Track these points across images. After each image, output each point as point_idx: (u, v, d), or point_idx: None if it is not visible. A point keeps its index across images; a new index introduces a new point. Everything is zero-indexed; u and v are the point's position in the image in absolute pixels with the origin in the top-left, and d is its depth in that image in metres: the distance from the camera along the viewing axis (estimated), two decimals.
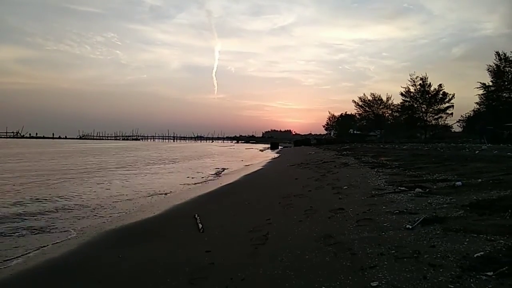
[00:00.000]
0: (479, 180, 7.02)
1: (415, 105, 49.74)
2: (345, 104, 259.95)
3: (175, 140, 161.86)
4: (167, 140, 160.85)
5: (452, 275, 2.76)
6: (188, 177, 16.48)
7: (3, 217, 7.64)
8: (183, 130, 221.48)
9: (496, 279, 2.61)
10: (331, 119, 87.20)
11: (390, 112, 59.47)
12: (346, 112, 79.38)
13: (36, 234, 6.47)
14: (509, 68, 39.01)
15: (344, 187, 8.24)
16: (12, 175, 15.99)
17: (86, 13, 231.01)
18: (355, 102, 63.34)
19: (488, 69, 40.12)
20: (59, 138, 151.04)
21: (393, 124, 57.92)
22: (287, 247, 4.18)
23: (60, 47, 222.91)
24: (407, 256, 3.31)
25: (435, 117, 48.83)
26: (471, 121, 45.73)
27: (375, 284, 2.82)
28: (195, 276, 3.69)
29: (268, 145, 71.23)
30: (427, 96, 48.40)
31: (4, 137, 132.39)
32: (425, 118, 48.97)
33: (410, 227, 4.22)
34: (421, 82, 48.42)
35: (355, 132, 73.43)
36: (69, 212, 8.43)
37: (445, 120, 48.87)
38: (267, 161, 26.57)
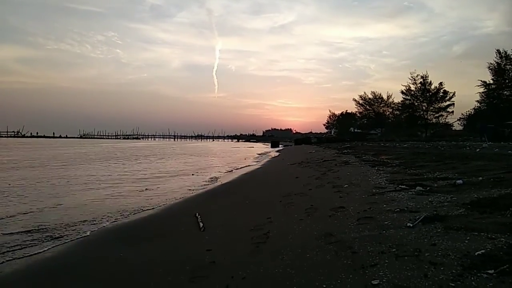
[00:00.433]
0: (480, 178, 7.01)
1: (416, 103, 49.71)
2: (346, 102, 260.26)
3: (176, 139, 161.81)
4: (168, 139, 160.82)
5: (453, 273, 2.76)
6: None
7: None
8: (183, 129, 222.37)
9: (497, 277, 2.61)
10: (331, 117, 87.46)
11: (390, 110, 59.53)
12: (346, 110, 79.57)
13: (36, 232, 6.48)
14: (510, 66, 38.96)
15: (345, 186, 8.24)
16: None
17: (87, 12, 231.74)
18: (355, 100, 63.41)
19: (489, 67, 40.13)
20: (60, 137, 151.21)
21: (394, 123, 57.91)
22: (288, 246, 4.19)
23: (60, 46, 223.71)
24: (408, 254, 3.31)
25: (435, 115, 48.82)
26: (472, 119, 45.64)
27: (376, 283, 2.82)
28: (196, 275, 3.69)
29: (269, 144, 71.26)
30: (427, 94, 48.36)
31: (5, 136, 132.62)
32: (426, 116, 48.94)
33: (411, 225, 4.22)
34: (421, 80, 48.43)
35: (355, 130, 73.31)
36: (69, 209, 8.45)
37: (445, 118, 48.89)
38: (268, 160, 26.57)
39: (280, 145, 63.95)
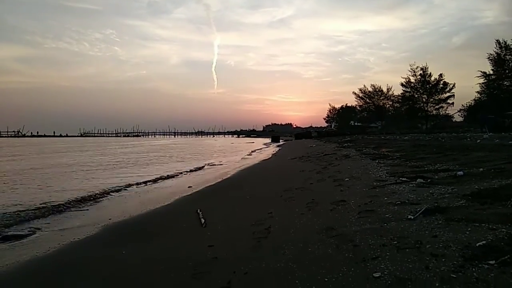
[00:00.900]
0: (481, 169, 7.01)
1: (416, 96, 49.54)
2: (346, 96, 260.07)
3: (176, 136, 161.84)
4: (168, 136, 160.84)
5: (454, 265, 2.77)
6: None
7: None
8: (183, 126, 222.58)
9: (498, 268, 2.62)
10: (331, 111, 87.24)
11: (390, 103, 59.31)
12: (346, 104, 79.34)
13: (37, 231, 6.51)
14: (509, 56, 38.75)
15: (346, 179, 8.25)
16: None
17: (84, 10, 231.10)
18: (355, 93, 63.16)
19: (488, 58, 39.92)
20: (60, 136, 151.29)
21: (394, 115, 57.80)
22: (289, 240, 4.20)
23: (59, 44, 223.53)
24: (409, 246, 3.32)
25: (436, 107, 48.67)
26: (472, 111, 45.48)
27: (377, 275, 2.83)
28: (198, 271, 3.71)
29: (269, 139, 71.24)
30: (427, 86, 48.18)
31: (6, 136, 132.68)
32: (426, 108, 48.79)
33: (412, 217, 4.23)
34: (421, 72, 48.21)
35: (356, 124, 73.28)
36: (71, 206, 8.48)
37: (446, 110, 48.74)
38: (268, 155, 26.57)
39: (280, 140, 63.86)
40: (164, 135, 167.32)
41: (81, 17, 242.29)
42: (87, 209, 8.61)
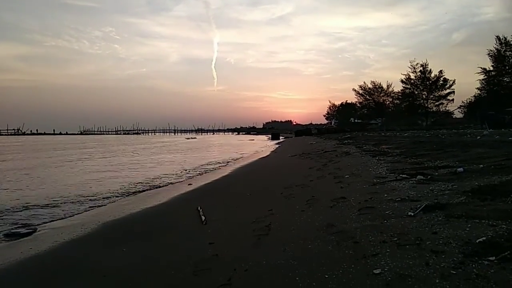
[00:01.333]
0: (481, 165, 7.01)
1: (416, 92, 49.48)
2: (346, 93, 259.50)
3: (176, 133, 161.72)
4: (168, 134, 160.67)
5: (455, 261, 2.77)
6: None
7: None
8: (183, 123, 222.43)
9: (498, 264, 2.62)
10: (331, 108, 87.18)
11: (390, 99, 59.18)
12: (346, 101, 79.27)
13: (38, 229, 6.52)
14: (509, 52, 38.66)
15: (346, 176, 8.25)
16: None
17: (83, 7, 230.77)
18: (355, 90, 63.01)
19: (488, 54, 39.81)
20: (60, 134, 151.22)
21: (394, 112, 57.70)
22: (289, 237, 4.21)
23: (58, 42, 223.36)
24: (409, 243, 3.32)
25: (436, 103, 48.62)
26: (472, 107, 45.47)
27: (377, 272, 2.84)
28: (199, 268, 3.72)
29: (269, 136, 71.20)
30: (427, 82, 48.11)
31: (5, 134, 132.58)
32: (426, 105, 48.75)
33: (412, 214, 4.23)
34: (421, 68, 48.13)
35: (356, 120, 73.21)
36: (72, 203, 8.50)
37: (446, 106, 48.70)
38: (268, 152, 26.57)
39: (281, 137, 63.83)
40: (164, 132, 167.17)
41: (80, 15, 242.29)
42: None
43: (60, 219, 7.37)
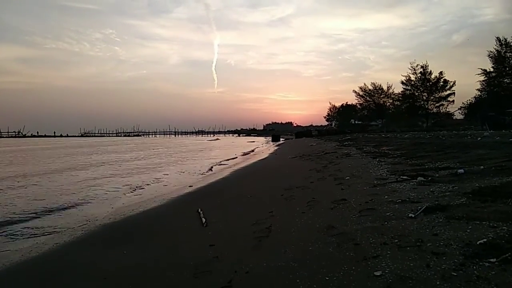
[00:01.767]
0: (482, 167, 7.00)
1: (416, 94, 49.40)
2: (346, 94, 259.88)
3: (176, 135, 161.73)
4: (169, 136, 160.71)
5: (455, 263, 2.77)
6: None
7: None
8: (184, 125, 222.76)
9: (499, 266, 2.62)
10: (332, 109, 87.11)
11: (391, 101, 59.09)
12: (347, 102, 79.12)
13: (39, 228, 6.52)
14: (510, 54, 38.55)
15: (346, 178, 8.24)
16: None
17: (84, 10, 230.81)
18: (355, 92, 62.93)
19: (489, 55, 39.77)
20: (61, 136, 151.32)
21: (394, 113, 57.59)
22: (290, 239, 4.20)
23: (59, 45, 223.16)
24: (410, 245, 3.32)
25: (436, 105, 48.52)
26: (472, 108, 45.39)
27: (378, 274, 2.83)
28: (200, 270, 3.71)
29: (270, 138, 71.15)
30: (428, 84, 48.04)
31: (6, 137, 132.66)
32: (427, 106, 48.67)
33: (413, 216, 4.23)
34: (421, 70, 48.08)
35: (356, 122, 73.19)
36: (73, 205, 8.50)
37: (446, 107, 48.54)
38: (269, 154, 26.56)
39: (281, 139, 63.79)
40: (164, 134, 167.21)
41: (80, 17, 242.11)
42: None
43: (61, 220, 7.36)
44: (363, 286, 2.72)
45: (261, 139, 79.41)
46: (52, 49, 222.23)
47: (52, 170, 18.37)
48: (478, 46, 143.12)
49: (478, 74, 40.93)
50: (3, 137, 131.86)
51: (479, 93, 43.74)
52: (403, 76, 50.00)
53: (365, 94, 62.00)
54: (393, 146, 15.57)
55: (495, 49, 39.24)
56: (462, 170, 6.74)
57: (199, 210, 6.74)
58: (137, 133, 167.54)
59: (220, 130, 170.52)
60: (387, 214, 4.55)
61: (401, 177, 7.09)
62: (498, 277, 2.47)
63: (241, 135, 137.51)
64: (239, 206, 7.10)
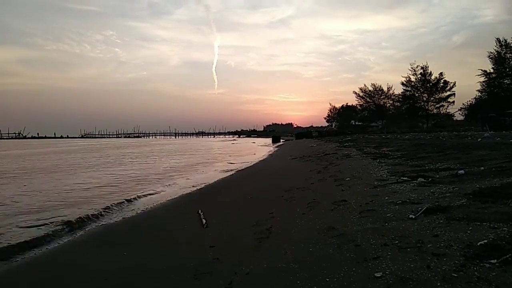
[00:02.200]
0: (482, 168, 7.00)
1: (416, 95, 49.40)
2: (346, 95, 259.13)
3: (177, 137, 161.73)
4: (169, 137, 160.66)
5: (456, 264, 2.77)
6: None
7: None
8: (184, 126, 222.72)
9: (500, 267, 2.61)
10: (332, 111, 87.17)
11: (391, 102, 59.02)
12: (347, 103, 79.15)
13: (38, 230, 6.52)
14: (510, 55, 38.59)
15: (347, 179, 8.24)
16: None
17: (85, 11, 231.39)
18: (355, 93, 62.82)
19: (489, 56, 39.80)
20: (61, 137, 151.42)
21: (395, 114, 57.62)
22: (290, 240, 4.20)
23: (59, 46, 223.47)
24: (410, 246, 3.31)
25: (436, 106, 48.50)
26: (473, 109, 45.35)
27: (379, 275, 2.83)
28: (200, 272, 3.71)
29: (270, 139, 71.15)
30: (428, 85, 48.04)
31: (6, 138, 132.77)
32: (427, 107, 48.66)
33: (413, 217, 4.22)
34: (421, 71, 48.10)
35: (356, 123, 73.20)
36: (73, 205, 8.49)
37: (446, 108, 48.52)
38: (269, 155, 26.57)
39: (281, 140, 63.78)
40: (164, 135, 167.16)
41: (81, 19, 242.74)
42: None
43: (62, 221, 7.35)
44: (363, 287, 2.71)
45: (262, 140, 79.39)
46: (53, 51, 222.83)
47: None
48: (478, 47, 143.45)
49: (478, 75, 40.99)
50: (3, 138, 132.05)
51: (479, 94, 43.75)
52: (403, 77, 50.04)
53: (365, 95, 61.95)
54: (393, 147, 15.57)
55: (495, 50, 39.31)
56: (462, 171, 6.74)
57: (200, 211, 6.74)
58: (137, 135, 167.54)
59: (220, 131, 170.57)
60: (388, 215, 4.55)
61: (402, 178, 7.09)
62: (499, 278, 2.47)
63: (241, 136, 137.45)
64: (239, 207, 7.10)
